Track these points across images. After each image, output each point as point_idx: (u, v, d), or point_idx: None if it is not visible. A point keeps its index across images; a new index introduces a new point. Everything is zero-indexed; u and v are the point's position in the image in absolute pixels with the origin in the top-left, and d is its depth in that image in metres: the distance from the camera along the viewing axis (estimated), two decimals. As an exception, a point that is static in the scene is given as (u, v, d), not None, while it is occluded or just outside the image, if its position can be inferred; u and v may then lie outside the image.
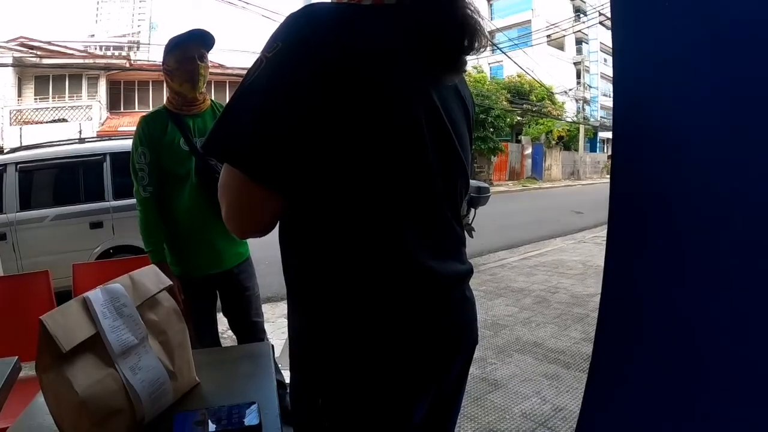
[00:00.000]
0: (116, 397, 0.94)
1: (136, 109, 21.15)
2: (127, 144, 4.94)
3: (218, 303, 2.35)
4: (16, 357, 1.36)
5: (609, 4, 1.34)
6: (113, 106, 21.01)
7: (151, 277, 1.15)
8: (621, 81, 1.32)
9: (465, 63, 0.88)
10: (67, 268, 2.48)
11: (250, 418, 0.98)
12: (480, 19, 0.86)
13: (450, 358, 0.91)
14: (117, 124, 19.10)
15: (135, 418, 0.97)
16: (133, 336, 1.01)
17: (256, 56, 0.77)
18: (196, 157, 2.10)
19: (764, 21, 1.01)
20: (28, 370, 1.43)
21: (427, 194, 0.85)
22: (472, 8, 0.86)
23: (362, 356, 0.81)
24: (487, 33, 0.87)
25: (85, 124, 18.03)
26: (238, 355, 1.50)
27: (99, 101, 19.77)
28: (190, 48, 2.10)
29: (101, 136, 14.02)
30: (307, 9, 0.78)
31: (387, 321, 0.81)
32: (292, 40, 0.75)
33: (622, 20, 1.31)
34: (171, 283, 1.19)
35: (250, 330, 2.32)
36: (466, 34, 0.84)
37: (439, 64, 0.86)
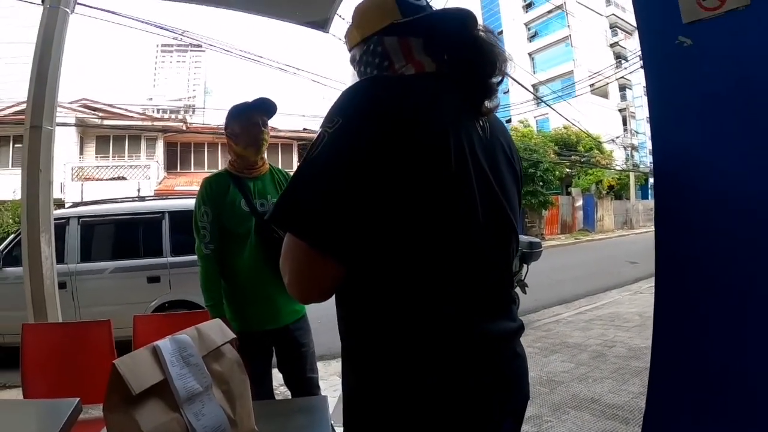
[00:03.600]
0: (181, 442, 0.97)
1: (192, 170, 22.20)
2: (185, 203, 5.19)
3: (273, 359, 2.36)
4: (78, 398, 1.42)
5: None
6: (170, 166, 22.05)
7: (216, 330, 1.20)
8: (658, 128, 1.32)
9: (495, 88, 0.93)
10: (124, 319, 2.57)
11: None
12: (499, 46, 0.92)
13: (500, 415, 0.90)
14: (173, 184, 19.96)
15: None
16: (198, 384, 1.05)
17: (311, 125, 0.82)
18: (255, 217, 2.18)
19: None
20: (86, 413, 1.47)
21: (475, 252, 0.87)
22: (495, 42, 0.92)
23: (411, 416, 0.81)
24: (506, 57, 0.92)
25: (144, 182, 18.95)
26: (295, 408, 1.52)
27: (156, 161, 20.80)
28: (254, 115, 2.23)
29: (159, 195, 14.68)
30: (363, 84, 0.86)
31: (435, 381, 0.81)
32: (350, 115, 0.81)
33: (654, 67, 1.33)
34: (234, 336, 1.24)
35: (305, 385, 2.32)
36: (489, 62, 0.90)
37: (474, 96, 0.90)
